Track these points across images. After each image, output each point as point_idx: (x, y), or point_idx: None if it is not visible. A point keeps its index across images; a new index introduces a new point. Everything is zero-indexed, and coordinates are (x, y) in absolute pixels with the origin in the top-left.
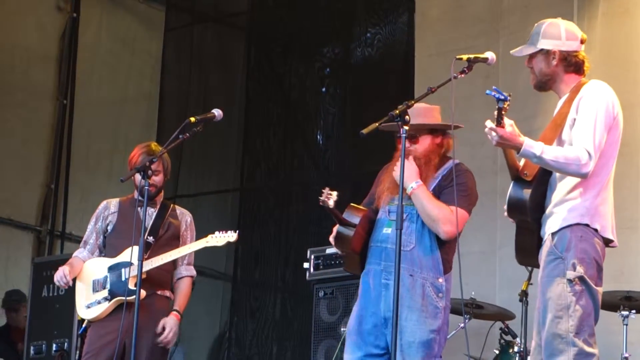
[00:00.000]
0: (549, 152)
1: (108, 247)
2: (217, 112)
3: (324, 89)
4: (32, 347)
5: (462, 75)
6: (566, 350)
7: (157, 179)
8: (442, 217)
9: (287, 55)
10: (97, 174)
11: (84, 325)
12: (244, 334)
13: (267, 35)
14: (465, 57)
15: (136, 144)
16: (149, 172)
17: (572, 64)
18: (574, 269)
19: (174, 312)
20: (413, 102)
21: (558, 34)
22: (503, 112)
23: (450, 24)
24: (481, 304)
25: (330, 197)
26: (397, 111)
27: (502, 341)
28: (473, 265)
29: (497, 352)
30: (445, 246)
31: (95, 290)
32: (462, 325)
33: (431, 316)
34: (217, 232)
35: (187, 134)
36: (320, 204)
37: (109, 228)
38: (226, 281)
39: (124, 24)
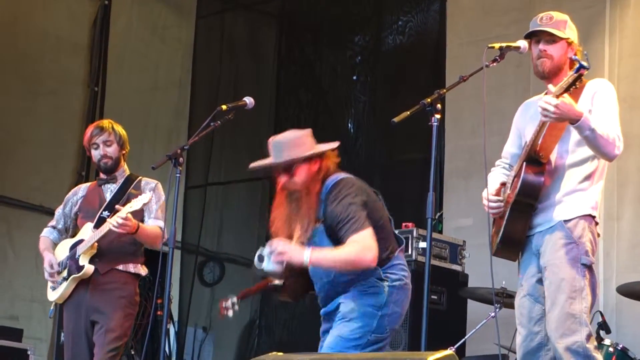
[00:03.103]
0: (599, 128)
1: (77, 229)
2: (249, 100)
3: (355, 77)
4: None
5: (494, 64)
6: (579, 330)
7: (110, 149)
8: (354, 255)
9: (318, 42)
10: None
11: (51, 308)
12: (274, 321)
13: (298, 23)
14: (497, 45)
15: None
16: (180, 159)
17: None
18: (587, 256)
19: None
20: (444, 90)
21: (575, 31)
22: (580, 80)
23: (482, 12)
24: (512, 294)
25: (229, 310)
26: (429, 100)
27: None
28: None
29: None
30: None
31: (60, 272)
32: (492, 314)
33: (371, 294)
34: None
35: (219, 122)
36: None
37: (78, 212)
38: None
39: (155, 12)
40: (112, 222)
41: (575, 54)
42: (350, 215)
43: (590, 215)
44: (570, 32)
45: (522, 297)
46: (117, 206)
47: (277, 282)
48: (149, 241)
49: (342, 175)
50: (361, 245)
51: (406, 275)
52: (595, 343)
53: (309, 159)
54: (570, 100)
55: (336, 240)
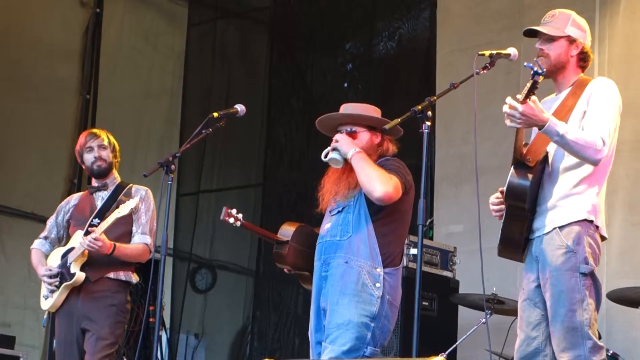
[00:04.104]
0: (572, 133)
1: (70, 237)
2: (240, 108)
3: (346, 84)
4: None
5: (484, 71)
6: (581, 344)
7: (104, 153)
8: (381, 177)
9: (309, 50)
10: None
11: (44, 317)
12: (266, 328)
13: (289, 31)
14: (487, 52)
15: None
16: (172, 166)
17: (587, 59)
18: (586, 263)
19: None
20: (435, 97)
21: (584, 27)
22: (537, 87)
23: (472, 19)
24: (502, 300)
25: (231, 217)
26: (419, 107)
27: None
28: (494, 260)
29: None
30: (386, 236)
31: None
32: (483, 320)
33: (365, 302)
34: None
35: (210, 129)
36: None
37: (70, 219)
38: (249, 275)
39: (147, 20)
40: (84, 244)
41: (582, 48)
42: (397, 170)
43: (586, 220)
44: (575, 29)
45: (523, 300)
46: (90, 228)
47: (282, 238)
48: (130, 260)
49: None
50: (392, 181)
51: (398, 291)
52: (604, 356)
53: (373, 129)
54: (537, 106)
55: (373, 210)
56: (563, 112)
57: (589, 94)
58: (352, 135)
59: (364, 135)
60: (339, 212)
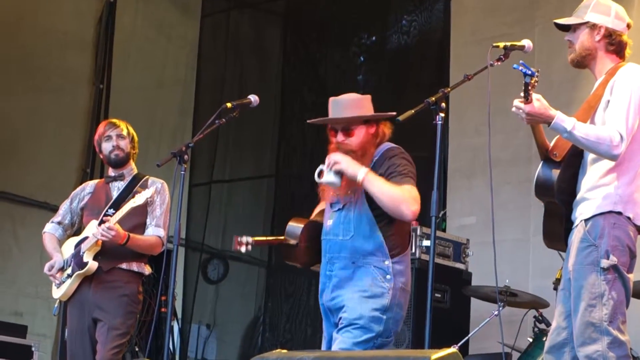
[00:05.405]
0: (581, 129)
1: (83, 226)
2: (253, 98)
3: (359, 76)
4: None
5: (498, 63)
6: (599, 339)
7: (123, 143)
8: (403, 198)
9: (322, 41)
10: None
11: (55, 306)
12: (278, 318)
13: (303, 22)
14: (501, 44)
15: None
16: (185, 156)
17: (615, 43)
18: (608, 257)
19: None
20: (449, 89)
21: (608, 10)
22: (530, 88)
23: (486, 11)
24: (515, 292)
25: (242, 245)
26: (433, 98)
27: (536, 329)
28: (507, 253)
29: (530, 340)
30: (389, 229)
31: (64, 269)
32: (495, 312)
33: (376, 296)
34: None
35: (223, 120)
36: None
37: (84, 208)
38: (261, 266)
39: (161, 10)
40: (98, 233)
41: (604, 32)
42: (407, 171)
43: (612, 212)
44: (595, 14)
45: (560, 289)
46: (104, 218)
47: (292, 241)
48: (143, 251)
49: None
50: (412, 195)
51: (408, 275)
52: (627, 351)
53: (367, 122)
54: (542, 103)
55: (374, 205)
56: (593, 102)
57: (613, 82)
58: (349, 133)
59: (360, 131)
60: (339, 209)
